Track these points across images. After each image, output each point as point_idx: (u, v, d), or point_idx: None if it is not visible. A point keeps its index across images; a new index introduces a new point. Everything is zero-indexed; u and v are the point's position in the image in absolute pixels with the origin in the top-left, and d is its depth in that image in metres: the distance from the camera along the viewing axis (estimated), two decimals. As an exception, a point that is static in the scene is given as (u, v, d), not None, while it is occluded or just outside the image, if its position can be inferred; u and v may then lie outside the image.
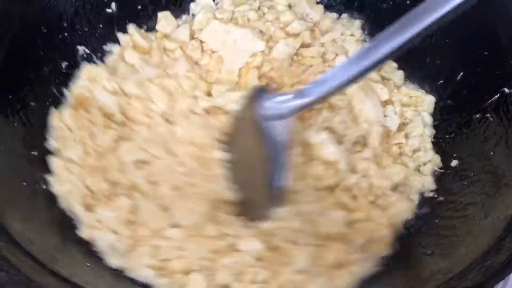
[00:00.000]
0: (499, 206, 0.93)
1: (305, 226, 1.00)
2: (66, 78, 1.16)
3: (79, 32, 1.19)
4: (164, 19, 1.29)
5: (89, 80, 1.16)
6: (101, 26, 1.22)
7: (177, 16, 1.31)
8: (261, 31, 1.27)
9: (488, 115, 1.07)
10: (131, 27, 1.26)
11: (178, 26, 1.30)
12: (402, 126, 1.18)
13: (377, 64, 0.78)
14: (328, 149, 1.08)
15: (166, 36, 1.28)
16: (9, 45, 1.03)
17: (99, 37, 1.23)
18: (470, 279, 0.80)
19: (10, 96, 1.03)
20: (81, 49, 1.19)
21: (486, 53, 1.10)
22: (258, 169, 0.96)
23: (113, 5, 1.23)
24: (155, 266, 0.97)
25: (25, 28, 1.07)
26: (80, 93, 1.14)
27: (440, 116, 1.20)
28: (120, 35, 1.25)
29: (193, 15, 1.32)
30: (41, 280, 0.77)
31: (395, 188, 1.10)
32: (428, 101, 1.21)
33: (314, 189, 1.06)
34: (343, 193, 1.07)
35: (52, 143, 1.08)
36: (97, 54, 1.23)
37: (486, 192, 0.99)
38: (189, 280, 0.95)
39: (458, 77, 1.16)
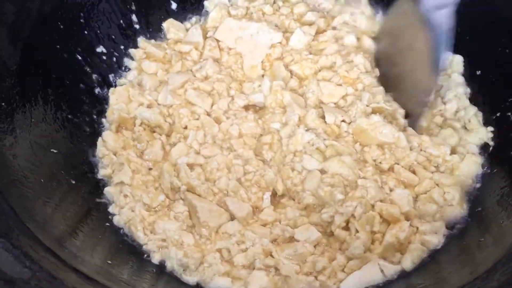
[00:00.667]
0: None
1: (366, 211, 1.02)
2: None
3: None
4: (172, 26, 1.29)
5: (123, 101, 1.17)
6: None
7: (185, 18, 1.33)
8: (276, 25, 1.27)
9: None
10: (141, 41, 1.28)
11: (188, 29, 1.31)
12: (437, 92, 1.18)
13: None
14: (383, 130, 1.08)
15: (179, 41, 1.28)
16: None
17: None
18: (496, 280, 0.79)
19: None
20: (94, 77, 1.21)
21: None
22: (419, 60, 1.08)
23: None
24: (226, 272, 0.98)
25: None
26: (119, 116, 1.15)
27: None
28: (133, 51, 1.26)
29: (207, 12, 1.33)
30: (64, 277, 0.77)
31: (453, 152, 1.10)
32: (456, 61, 1.22)
33: (375, 173, 1.06)
34: (403, 171, 1.07)
35: (102, 171, 1.11)
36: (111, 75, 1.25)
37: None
38: (251, 277, 0.97)
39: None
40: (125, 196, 1.06)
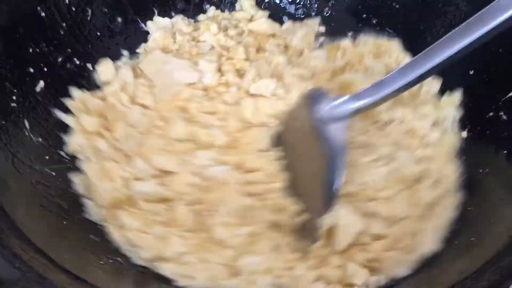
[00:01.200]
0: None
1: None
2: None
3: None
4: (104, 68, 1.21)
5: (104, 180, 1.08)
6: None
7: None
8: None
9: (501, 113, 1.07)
10: (74, 91, 1.15)
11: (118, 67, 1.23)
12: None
13: (433, 71, 0.82)
14: None
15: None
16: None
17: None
18: (485, 280, 0.79)
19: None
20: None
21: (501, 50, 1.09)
22: (314, 171, 0.96)
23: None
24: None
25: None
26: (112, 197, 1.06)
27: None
28: (68, 100, 1.13)
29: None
30: (53, 277, 0.77)
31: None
32: None
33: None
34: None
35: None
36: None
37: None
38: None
39: (471, 73, 1.15)
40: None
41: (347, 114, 0.91)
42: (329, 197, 0.92)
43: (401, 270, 0.97)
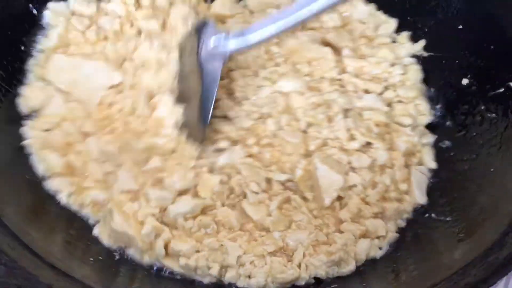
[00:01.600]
0: (502, 201, 0.92)
1: None
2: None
3: None
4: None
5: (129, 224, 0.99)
6: None
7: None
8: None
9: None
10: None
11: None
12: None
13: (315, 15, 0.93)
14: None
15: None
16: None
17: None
18: (473, 275, 0.79)
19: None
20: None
21: (492, 46, 1.09)
22: (194, 99, 1.04)
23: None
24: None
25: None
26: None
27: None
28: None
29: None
30: (39, 273, 0.77)
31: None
32: None
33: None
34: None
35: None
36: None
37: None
38: None
39: (462, 71, 1.15)
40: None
41: (227, 51, 1.02)
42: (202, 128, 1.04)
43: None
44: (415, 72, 1.21)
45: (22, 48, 1.10)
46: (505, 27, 1.06)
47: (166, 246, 0.96)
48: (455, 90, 1.15)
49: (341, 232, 1.00)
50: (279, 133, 1.08)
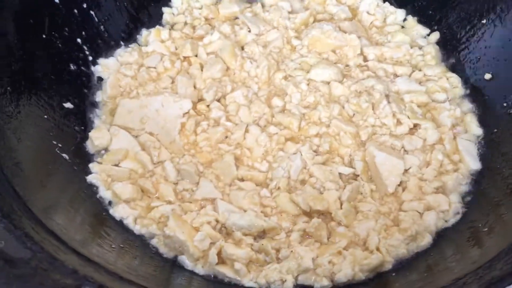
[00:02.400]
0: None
1: None
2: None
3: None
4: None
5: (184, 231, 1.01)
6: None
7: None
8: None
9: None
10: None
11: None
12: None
13: None
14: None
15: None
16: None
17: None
18: (499, 269, 0.78)
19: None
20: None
21: None
22: None
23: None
24: None
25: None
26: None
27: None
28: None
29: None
30: (64, 258, 0.77)
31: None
32: None
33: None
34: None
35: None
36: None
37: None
38: None
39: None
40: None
41: None
42: None
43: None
44: (434, 51, 1.25)
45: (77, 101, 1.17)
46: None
47: (219, 253, 0.96)
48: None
49: (404, 211, 1.01)
50: (333, 122, 1.11)
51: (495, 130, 1.11)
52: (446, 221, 1.02)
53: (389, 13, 1.34)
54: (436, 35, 1.28)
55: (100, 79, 1.22)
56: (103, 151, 1.11)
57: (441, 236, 1.01)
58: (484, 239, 0.91)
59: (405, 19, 1.33)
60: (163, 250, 0.99)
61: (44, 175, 0.97)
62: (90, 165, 1.07)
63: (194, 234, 0.96)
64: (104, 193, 1.04)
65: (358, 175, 1.06)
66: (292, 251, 0.95)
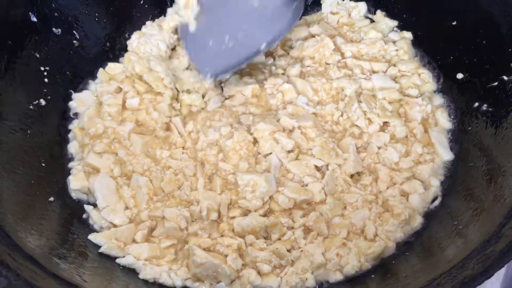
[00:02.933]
0: (499, 195, 0.92)
1: None
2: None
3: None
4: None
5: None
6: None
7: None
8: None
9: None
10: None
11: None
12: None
13: None
14: None
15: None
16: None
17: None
18: (471, 268, 0.79)
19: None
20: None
21: (484, 42, 1.10)
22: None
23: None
24: None
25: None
26: None
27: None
28: None
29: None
30: (42, 284, 0.78)
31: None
32: None
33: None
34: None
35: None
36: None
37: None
38: None
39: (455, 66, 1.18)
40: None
41: None
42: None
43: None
44: (406, 46, 1.28)
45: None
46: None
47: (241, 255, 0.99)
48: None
49: (388, 198, 1.05)
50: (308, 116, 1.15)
51: (466, 123, 1.14)
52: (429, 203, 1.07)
53: (351, 8, 1.37)
54: (408, 33, 1.31)
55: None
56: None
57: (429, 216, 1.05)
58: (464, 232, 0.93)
59: (374, 13, 1.37)
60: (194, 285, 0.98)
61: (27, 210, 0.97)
62: (92, 237, 1.03)
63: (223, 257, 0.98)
64: (122, 260, 1.01)
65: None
66: (302, 250, 0.99)
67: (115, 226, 1.04)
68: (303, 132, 1.12)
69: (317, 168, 1.09)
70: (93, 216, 1.05)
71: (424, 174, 1.09)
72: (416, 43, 1.29)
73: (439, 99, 1.21)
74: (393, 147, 1.11)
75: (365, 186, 1.08)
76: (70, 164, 1.13)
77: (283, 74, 1.25)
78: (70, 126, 1.20)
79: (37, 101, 1.14)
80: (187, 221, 1.03)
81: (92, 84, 1.26)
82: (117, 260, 0.99)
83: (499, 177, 0.95)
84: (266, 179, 1.05)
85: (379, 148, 1.12)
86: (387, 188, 1.07)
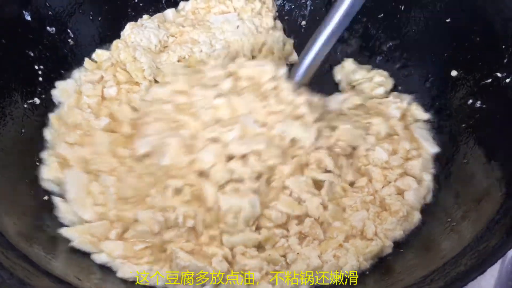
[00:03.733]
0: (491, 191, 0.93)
1: None
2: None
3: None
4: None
5: None
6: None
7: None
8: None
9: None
10: None
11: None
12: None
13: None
14: None
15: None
16: None
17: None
18: (464, 264, 0.79)
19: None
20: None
21: (478, 39, 1.10)
22: None
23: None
24: None
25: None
26: None
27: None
28: None
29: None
30: (36, 282, 0.78)
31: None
32: None
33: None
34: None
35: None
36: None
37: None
38: None
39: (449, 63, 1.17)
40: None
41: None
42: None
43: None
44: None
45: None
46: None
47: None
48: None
49: (385, 197, 1.05)
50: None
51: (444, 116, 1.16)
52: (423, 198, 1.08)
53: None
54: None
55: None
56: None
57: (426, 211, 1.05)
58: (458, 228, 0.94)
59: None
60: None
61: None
62: (63, 231, 0.99)
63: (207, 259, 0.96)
64: (96, 257, 0.97)
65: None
66: (298, 253, 0.97)
67: (86, 221, 1.00)
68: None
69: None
70: (61, 208, 1.01)
71: (415, 170, 1.09)
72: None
73: (408, 96, 1.22)
74: (381, 147, 1.11)
75: (362, 188, 1.07)
76: (42, 154, 1.09)
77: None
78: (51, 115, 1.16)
79: (31, 100, 1.14)
80: (161, 226, 0.98)
81: (76, 73, 1.23)
82: (92, 256, 0.96)
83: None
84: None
85: (366, 150, 1.11)
86: (383, 187, 1.07)
